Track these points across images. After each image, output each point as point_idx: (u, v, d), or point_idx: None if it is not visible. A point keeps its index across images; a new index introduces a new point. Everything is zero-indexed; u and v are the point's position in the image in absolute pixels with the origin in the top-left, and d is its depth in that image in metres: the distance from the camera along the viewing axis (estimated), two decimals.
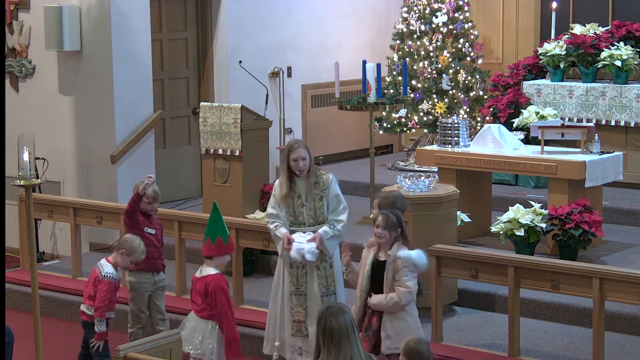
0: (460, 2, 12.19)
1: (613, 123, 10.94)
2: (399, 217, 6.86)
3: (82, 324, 7.57)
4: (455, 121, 9.76)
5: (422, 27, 12.18)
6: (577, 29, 11.44)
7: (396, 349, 6.65)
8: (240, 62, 11.92)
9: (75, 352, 8.31)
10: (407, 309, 6.78)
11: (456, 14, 12.13)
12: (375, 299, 6.82)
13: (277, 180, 7.34)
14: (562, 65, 11.27)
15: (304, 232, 7.18)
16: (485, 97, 11.98)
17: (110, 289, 7.35)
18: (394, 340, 6.72)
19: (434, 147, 9.90)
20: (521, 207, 8.97)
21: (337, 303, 6.63)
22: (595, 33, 11.28)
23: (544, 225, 8.82)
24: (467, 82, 12.04)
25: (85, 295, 7.51)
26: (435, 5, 12.14)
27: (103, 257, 7.68)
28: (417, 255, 6.79)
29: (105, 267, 7.41)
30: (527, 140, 10.36)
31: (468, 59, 12.17)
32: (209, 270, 6.92)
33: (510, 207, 9.02)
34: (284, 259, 7.29)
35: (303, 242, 7.10)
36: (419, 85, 12.14)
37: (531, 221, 8.80)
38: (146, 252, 7.60)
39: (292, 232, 7.22)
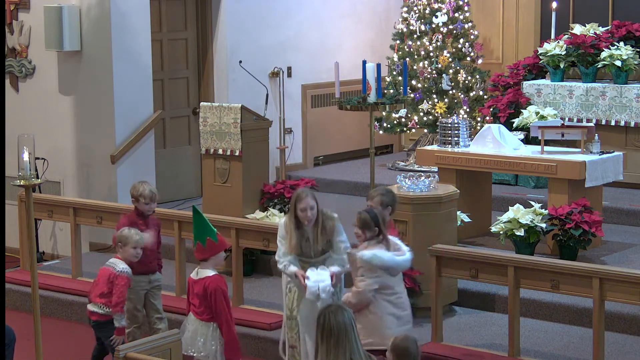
0: (460, 2, 12.19)
1: (613, 123, 10.94)
2: (375, 216, 6.76)
3: (93, 324, 7.50)
4: (455, 121, 9.76)
5: (422, 27, 12.18)
6: (577, 29, 11.44)
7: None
8: (240, 62, 11.92)
9: (75, 352, 8.32)
10: (370, 307, 6.73)
11: (456, 14, 12.14)
12: (344, 296, 6.89)
13: (282, 221, 7.18)
14: (562, 65, 11.27)
15: (316, 268, 7.10)
16: (485, 97, 11.98)
17: (127, 284, 7.38)
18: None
19: (434, 147, 9.90)
20: (521, 207, 8.96)
21: (336, 303, 6.64)
22: (595, 33, 11.28)
23: (544, 225, 8.82)
24: (467, 82, 12.05)
25: (96, 293, 7.44)
26: (435, 5, 12.14)
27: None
28: (372, 255, 6.67)
29: (119, 263, 7.42)
30: (527, 140, 10.36)
31: (468, 59, 12.18)
32: (206, 272, 6.90)
33: (510, 207, 9.02)
34: (300, 292, 7.20)
35: (316, 282, 7.02)
36: (419, 85, 12.14)
37: (531, 221, 8.80)
38: (141, 255, 7.60)
39: (300, 262, 7.13)
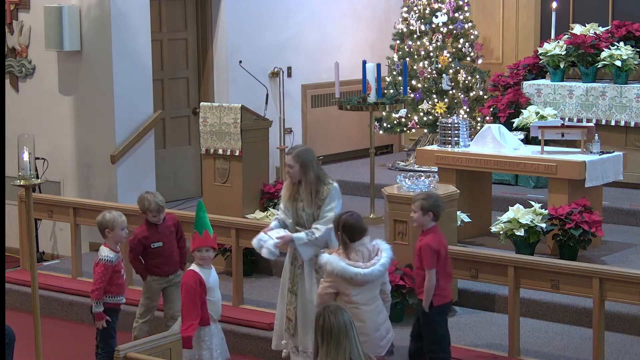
0: (460, 2, 12.19)
1: (613, 123, 10.94)
2: (342, 221, 6.69)
3: (90, 309, 7.58)
4: (455, 121, 9.76)
5: (422, 27, 12.18)
6: (577, 29, 11.45)
7: None
8: (240, 62, 11.92)
9: (75, 352, 8.33)
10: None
11: (456, 14, 12.14)
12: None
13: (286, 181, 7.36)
14: (562, 65, 11.27)
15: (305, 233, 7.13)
16: (485, 97, 11.98)
17: (105, 271, 7.32)
18: None
19: (434, 147, 9.90)
20: (521, 207, 8.96)
21: (335, 303, 6.64)
22: (595, 33, 11.28)
23: (544, 225, 8.82)
24: (467, 82, 12.05)
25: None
26: (435, 5, 12.14)
27: None
28: (325, 260, 6.63)
29: (102, 251, 7.43)
30: (527, 140, 10.36)
31: (468, 59, 12.18)
32: (190, 267, 7.01)
33: (510, 207, 9.02)
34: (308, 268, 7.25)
35: (271, 237, 7.09)
36: (419, 85, 12.14)
37: (531, 221, 8.80)
38: (155, 263, 7.73)
39: (297, 231, 7.18)
